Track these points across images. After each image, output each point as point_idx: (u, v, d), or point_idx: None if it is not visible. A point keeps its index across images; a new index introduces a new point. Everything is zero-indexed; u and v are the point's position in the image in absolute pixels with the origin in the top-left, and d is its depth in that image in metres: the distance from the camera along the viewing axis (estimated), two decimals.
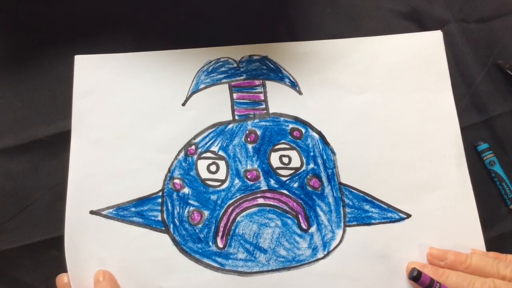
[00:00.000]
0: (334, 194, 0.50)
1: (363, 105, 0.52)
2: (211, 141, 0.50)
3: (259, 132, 0.51)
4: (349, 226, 0.49)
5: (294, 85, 0.53)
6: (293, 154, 0.51)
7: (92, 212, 0.48)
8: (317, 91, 0.52)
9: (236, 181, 0.49)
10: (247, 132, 0.51)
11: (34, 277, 0.48)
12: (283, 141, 0.51)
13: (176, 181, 0.49)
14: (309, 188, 0.50)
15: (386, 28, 0.55)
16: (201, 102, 0.52)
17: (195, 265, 0.47)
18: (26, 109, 0.51)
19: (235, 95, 0.52)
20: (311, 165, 0.50)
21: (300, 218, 0.49)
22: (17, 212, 0.49)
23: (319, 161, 0.50)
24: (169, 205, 0.49)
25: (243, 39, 0.54)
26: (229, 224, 0.48)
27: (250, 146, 0.51)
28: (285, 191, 0.49)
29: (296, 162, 0.50)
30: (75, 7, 0.54)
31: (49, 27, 0.54)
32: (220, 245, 0.48)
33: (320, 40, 0.54)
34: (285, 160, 0.50)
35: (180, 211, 0.49)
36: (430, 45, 0.54)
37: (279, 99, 0.52)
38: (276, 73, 0.53)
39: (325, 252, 0.48)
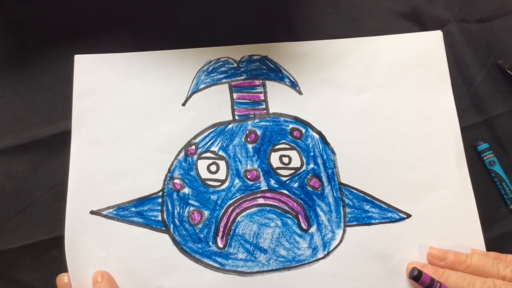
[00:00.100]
0: (334, 194, 0.50)
1: (363, 105, 0.52)
2: (211, 141, 0.50)
3: (259, 132, 0.51)
4: (349, 226, 0.49)
5: (294, 85, 0.53)
6: (293, 154, 0.51)
7: (92, 212, 0.48)
8: (317, 91, 0.52)
9: (236, 181, 0.49)
10: (247, 132, 0.51)
11: (34, 277, 0.48)
12: (283, 141, 0.51)
13: (176, 181, 0.49)
14: (309, 188, 0.50)
15: (386, 28, 0.55)
16: (201, 102, 0.52)
17: (195, 265, 0.47)
18: (26, 109, 0.51)
19: (235, 95, 0.52)
20: (311, 165, 0.50)
21: (300, 218, 0.49)
22: (17, 212, 0.49)
23: (319, 161, 0.50)
24: (169, 205, 0.49)
25: (243, 39, 0.54)
26: (229, 224, 0.48)
27: (250, 146, 0.51)
28: (285, 191, 0.49)
29: (296, 162, 0.50)
30: (75, 7, 0.54)
31: (49, 27, 0.54)
32: (220, 245, 0.48)
33: (320, 40, 0.54)
34: (285, 160, 0.50)
35: (180, 211, 0.49)
36: (430, 45, 0.54)
37: (279, 99, 0.52)
38: (276, 73, 0.53)
39: (325, 252, 0.48)
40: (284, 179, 0.50)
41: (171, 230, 0.48)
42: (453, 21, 0.56)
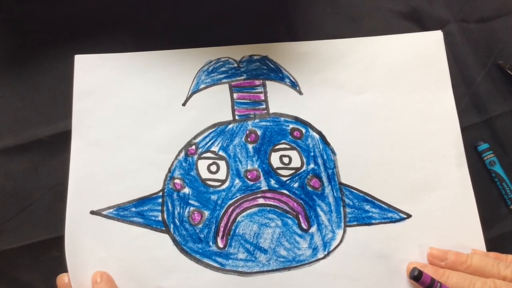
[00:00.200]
0: (335, 194, 0.50)
1: (363, 105, 0.52)
2: (212, 141, 0.50)
3: (259, 132, 0.51)
4: (350, 226, 0.49)
5: (294, 85, 0.53)
6: (294, 154, 0.51)
7: (92, 212, 0.48)
8: (317, 91, 0.52)
9: (237, 181, 0.49)
10: (248, 132, 0.51)
11: (34, 277, 0.48)
12: (283, 141, 0.51)
13: (177, 181, 0.49)
14: (310, 188, 0.50)
15: (386, 28, 0.55)
16: (202, 102, 0.52)
17: (195, 265, 0.47)
18: (26, 109, 0.51)
19: (235, 95, 0.52)
20: (312, 165, 0.50)
21: (301, 218, 0.49)
22: (17, 212, 0.49)
23: (320, 161, 0.50)
24: (170, 205, 0.49)
25: (243, 39, 0.54)
26: (229, 224, 0.48)
27: (250, 146, 0.51)
28: (285, 191, 0.49)
29: (296, 162, 0.50)
30: (75, 7, 0.54)
31: (49, 27, 0.54)
32: (221, 245, 0.48)
33: (320, 40, 0.54)
34: (286, 160, 0.50)
35: (180, 211, 0.49)
36: (430, 45, 0.54)
37: (279, 99, 0.52)
38: (277, 73, 0.53)
39: (326, 252, 0.48)
40: (284, 179, 0.50)
41: (171, 230, 0.48)
42: (453, 21, 0.56)
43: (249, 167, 0.50)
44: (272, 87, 0.52)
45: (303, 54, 0.53)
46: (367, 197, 0.49)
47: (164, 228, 0.48)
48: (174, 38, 0.54)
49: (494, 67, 0.55)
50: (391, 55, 0.54)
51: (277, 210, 0.49)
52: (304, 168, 0.50)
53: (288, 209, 0.49)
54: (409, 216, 0.49)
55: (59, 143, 0.50)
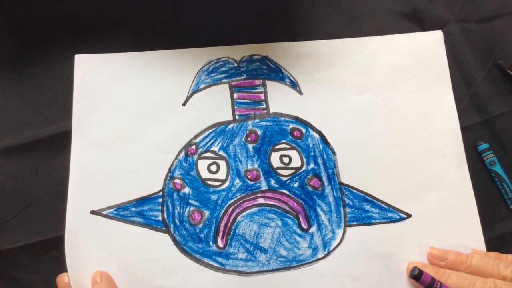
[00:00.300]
0: (335, 194, 0.50)
1: (363, 105, 0.52)
2: (212, 141, 0.50)
3: (259, 132, 0.51)
4: (350, 226, 0.49)
5: (294, 85, 0.53)
6: (294, 154, 0.51)
7: (92, 212, 0.48)
8: (317, 91, 0.52)
9: (237, 181, 0.49)
10: (248, 132, 0.51)
11: (34, 277, 0.48)
12: (283, 141, 0.51)
13: (177, 181, 0.49)
14: (310, 188, 0.50)
15: (386, 28, 0.55)
16: (202, 102, 0.52)
17: (195, 265, 0.47)
18: (27, 109, 0.51)
19: (235, 95, 0.52)
20: (312, 165, 0.50)
21: (301, 218, 0.49)
22: (17, 212, 0.49)
23: (320, 161, 0.50)
24: (170, 205, 0.49)
25: (243, 39, 0.54)
26: (229, 224, 0.48)
27: (250, 146, 0.51)
28: (285, 191, 0.49)
29: (296, 162, 0.50)
30: (75, 7, 0.54)
31: (49, 27, 0.54)
32: (221, 245, 0.48)
33: (320, 40, 0.54)
34: (286, 160, 0.50)
35: (180, 211, 0.49)
36: (430, 45, 0.54)
37: (279, 99, 0.52)
38: (277, 73, 0.53)
39: (326, 252, 0.48)
40: (284, 179, 0.50)
41: (172, 230, 0.48)
42: (454, 21, 0.56)
43: (249, 167, 0.50)
44: (272, 87, 0.52)
45: (303, 54, 0.54)
46: (367, 197, 0.49)
47: (164, 228, 0.48)
48: (174, 38, 0.54)
49: (494, 67, 0.55)
50: (391, 55, 0.54)
51: (277, 210, 0.49)
52: (304, 168, 0.50)
53: (288, 209, 0.49)
54: (409, 216, 0.49)
55: (59, 143, 0.50)
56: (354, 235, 0.48)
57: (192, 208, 0.49)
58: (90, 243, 0.47)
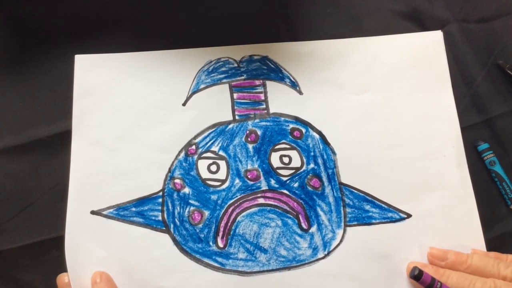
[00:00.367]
0: (335, 194, 0.50)
1: (363, 105, 0.52)
2: (212, 141, 0.50)
3: (259, 132, 0.51)
4: (350, 226, 0.49)
5: (294, 85, 0.53)
6: (294, 154, 0.51)
7: (92, 212, 0.48)
8: (317, 91, 0.52)
9: (237, 181, 0.49)
10: (248, 132, 0.51)
11: (34, 277, 0.48)
12: (283, 141, 0.51)
13: (177, 181, 0.49)
14: (310, 188, 0.50)
15: (386, 28, 0.55)
16: (202, 102, 0.51)
17: (195, 265, 0.47)
18: (27, 109, 0.51)
19: (235, 95, 0.52)
20: (312, 165, 0.50)
21: (301, 218, 0.49)
22: (17, 212, 0.49)
23: (320, 161, 0.50)
24: (170, 205, 0.49)
25: (243, 39, 0.54)
26: (229, 224, 0.48)
27: (250, 146, 0.51)
28: (285, 191, 0.49)
29: (296, 162, 0.50)
30: (75, 7, 0.54)
31: (49, 27, 0.54)
32: (221, 245, 0.48)
33: (320, 40, 0.54)
34: (286, 160, 0.50)
35: (180, 211, 0.49)
36: (430, 45, 0.54)
37: (279, 99, 0.52)
38: (277, 73, 0.53)
39: (326, 252, 0.48)
40: (284, 179, 0.50)
41: (172, 230, 0.48)
42: (454, 21, 0.56)
43: (249, 167, 0.50)
44: (272, 87, 0.52)
45: (303, 54, 0.54)
46: (367, 197, 0.49)
47: (164, 228, 0.48)
48: (174, 38, 0.54)
49: (494, 67, 0.55)
50: (391, 55, 0.54)
51: (277, 210, 0.49)
52: (304, 168, 0.50)
53: (288, 209, 0.49)
54: (409, 216, 0.49)
55: (59, 143, 0.50)
56: (354, 235, 0.48)
57: (192, 208, 0.49)
58: (90, 243, 0.47)
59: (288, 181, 0.50)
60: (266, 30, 0.55)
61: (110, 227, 0.48)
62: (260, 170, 0.50)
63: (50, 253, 0.48)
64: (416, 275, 0.44)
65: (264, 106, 0.52)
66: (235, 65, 0.53)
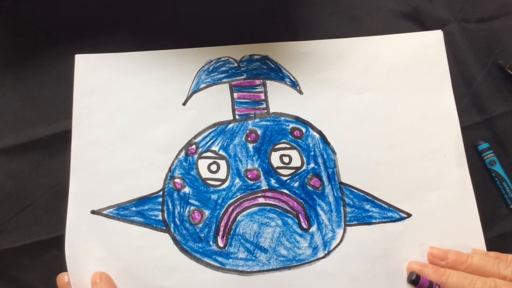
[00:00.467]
0: (335, 193, 0.50)
1: (363, 105, 0.52)
2: (212, 141, 0.50)
3: (259, 132, 0.51)
4: (350, 225, 0.49)
5: (294, 84, 0.53)
6: (294, 153, 0.51)
7: (93, 212, 0.48)
8: (317, 91, 0.52)
9: (237, 180, 0.49)
10: (248, 131, 0.51)
11: (34, 276, 0.48)
12: (283, 140, 0.51)
13: (177, 180, 0.49)
14: (310, 188, 0.50)
15: (387, 28, 0.55)
16: (202, 102, 0.52)
17: (195, 264, 0.47)
18: (27, 108, 0.51)
19: (235, 95, 0.52)
20: (312, 165, 0.50)
21: (301, 218, 0.49)
22: (17, 212, 0.49)
23: (320, 160, 0.50)
24: (170, 204, 0.49)
25: (243, 39, 0.54)
26: (229, 223, 0.48)
27: (250, 146, 0.51)
28: (285, 191, 0.49)
29: (296, 161, 0.50)
30: (75, 7, 0.54)
31: (49, 27, 0.54)
32: (221, 244, 0.48)
33: (321, 39, 0.54)
34: (286, 159, 0.50)
35: (180, 210, 0.49)
36: (430, 45, 0.54)
37: (279, 99, 0.52)
38: (277, 73, 0.53)
39: (326, 252, 0.48)
40: (284, 178, 0.50)
41: (172, 229, 0.48)
42: (454, 21, 0.56)
43: (249, 167, 0.50)
44: (272, 86, 0.52)
45: (303, 53, 0.54)
46: (367, 196, 0.49)
47: (164, 228, 0.48)
48: (174, 38, 0.54)
49: (494, 67, 0.55)
50: (391, 55, 0.54)
51: (277, 209, 0.49)
52: (304, 167, 0.50)
53: (288, 208, 0.49)
54: (409, 215, 0.49)
55: (59, 143, 0.50)
56: (354, 234, 0.48)
57: (192, 207, 0.49)
58: (90, 242, 0.47)
59: (288, 181, 0.50)
60: (266, 30, 0.55)
61: (110, 227, 0.48)
62: (260, 169, 0.50)
63: (50, 253, 0.48)
64: (414, 280, 0.45)
65: (264, 106, 0.52)
66: (235, 64, 0.53)
